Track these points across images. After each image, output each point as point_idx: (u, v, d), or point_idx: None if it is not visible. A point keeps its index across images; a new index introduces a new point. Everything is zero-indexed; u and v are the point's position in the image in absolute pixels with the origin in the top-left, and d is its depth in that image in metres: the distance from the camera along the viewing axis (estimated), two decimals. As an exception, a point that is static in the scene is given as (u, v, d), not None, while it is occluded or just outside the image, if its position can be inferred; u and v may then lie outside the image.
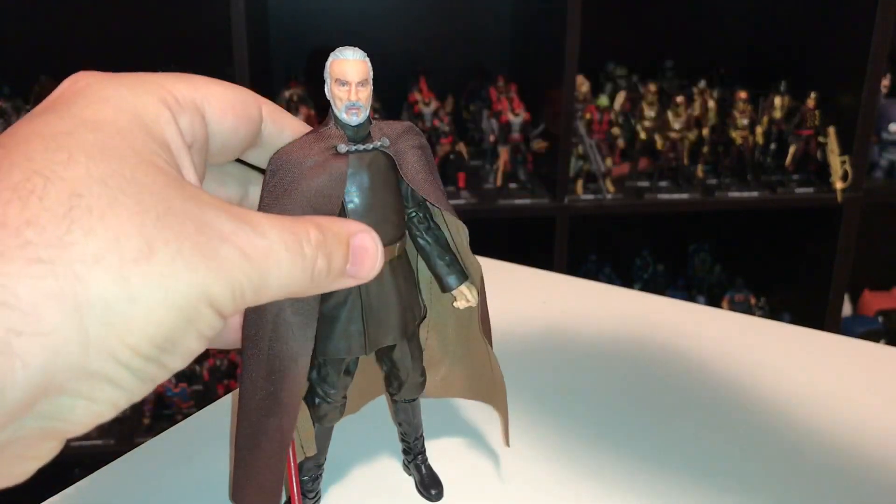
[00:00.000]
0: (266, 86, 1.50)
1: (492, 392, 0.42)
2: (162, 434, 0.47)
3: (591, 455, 0.45)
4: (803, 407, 0.50)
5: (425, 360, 0.42)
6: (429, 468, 0.43)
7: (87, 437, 1.39)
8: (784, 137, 1.51)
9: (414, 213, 0.38)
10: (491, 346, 0.40)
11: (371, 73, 0.35)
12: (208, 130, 0.31)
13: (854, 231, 1.49)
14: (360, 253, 0.31)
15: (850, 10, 1.42)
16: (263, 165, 0.35)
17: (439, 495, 0.42)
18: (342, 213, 0.35)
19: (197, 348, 0.26)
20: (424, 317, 0.41)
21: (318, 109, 1.40)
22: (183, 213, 0.25)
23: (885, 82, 1.55)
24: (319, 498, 0.41)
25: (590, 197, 1.48)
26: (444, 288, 0.39)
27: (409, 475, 0.43)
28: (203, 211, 0.26)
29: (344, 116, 0.34)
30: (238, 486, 0.36)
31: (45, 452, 0.25)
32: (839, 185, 1.45)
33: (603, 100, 1.55)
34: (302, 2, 1.62)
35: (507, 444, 0.42)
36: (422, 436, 0.43)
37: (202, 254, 0.25)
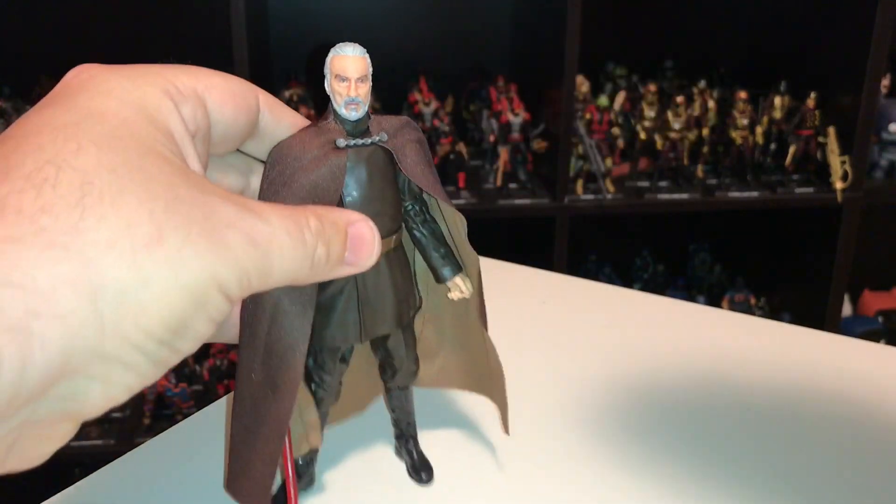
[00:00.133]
0: (266, 86, 1.49)
1: (489, 382, 0.42)
2: (162, 434, 0.47)
3: (589, 455, 0.45)
4: (803, 407, 0.50)
5: (422, 351, 0.43)
6: (420, 453, 0.44)
7: (87, 436, 1.40)
8: (784, 137, 1.51)
9: (410, 207, 0.39)
10: (488, 335, 0.40)
11: (370, 70, 0.35)
12: (210, 120, 0.32)
13: (854, 231, 1.49)
14: (358, 241, 0.31)
15: (850, 10, 1.42)
16: (262, 156, 0.36)
17: (429, 479, 0.43)
18: (340, 205, 0.35)
19: (207, 332, 0.27)
20: (420, 308, 0.41)
21: (318, 109, 1.40)
22: (190, 201, 0.26)
23: (885, 82, 1.55)
24: (313, 481, 0.42)
25: (590, 197, 1.48)
26: (439, 279, 0.39)
27: (401, 460, 0.44)
28: (208, 198, 0.27)
29: (343, 111, 0.35)
30: (232, 476, 0.36)
31: (61, 435, 0.26)
32: (839, 185, 1.45)
33: (603, 100, 1.55)
34: (302, 2, 1.62)
35: (507, 432, 0.42)
36: (413, 421, 0.44)
37: (210, 239, 0.26)
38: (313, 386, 0.39)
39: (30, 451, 0.26)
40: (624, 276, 1.83)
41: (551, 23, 1.42)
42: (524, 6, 1.62)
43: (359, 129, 0.35)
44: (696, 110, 1.55)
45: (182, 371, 1.49)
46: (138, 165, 0.26)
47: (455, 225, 0.39)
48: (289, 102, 1.41)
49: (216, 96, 0.32)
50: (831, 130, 1.45)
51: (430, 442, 0.45)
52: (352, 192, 0.35)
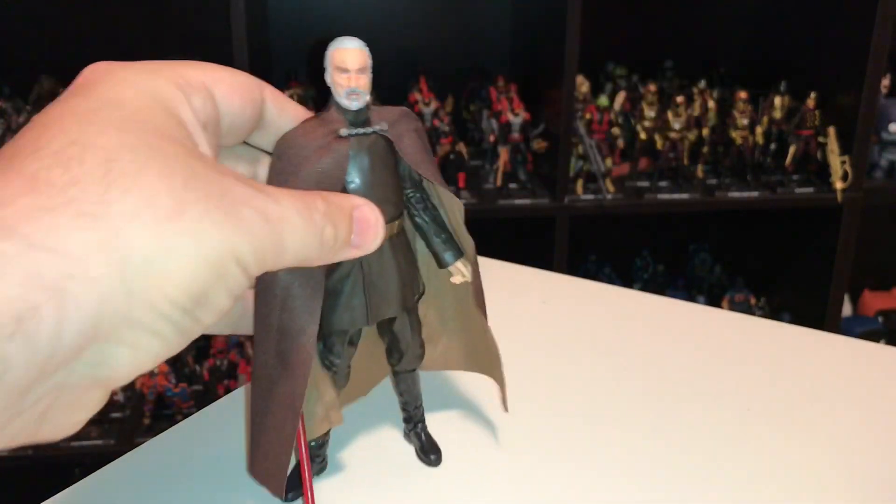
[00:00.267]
0: (266, 86, 1.49)
1: (489, 363, 0.43)
2: (162, 434, 0.47)
3: (589, 453, 0.45)
4: (803, 407, 0.50)
5: (425, 335, 0.44)
6: (428, 435, 0.45)
7: (87, 436, 1.40)
8: (784, 137, 1.51)
9: (412, 194, 0.40)
10: (485, 317, 0.41)
11: (370, 62, 0.36)
12: (219, 111, 0.33)
13: (854, 231, 1.49)
14: (363, 224, 0.33)
15: (850, 10, 1.42)
16: (267, 147, 0.38)
17: (438, 460, 0.44)
18: (344, 192, 0.36)
19: (226, 306, 0.28)
20: (423, 293, 0.42)
21: (318, 108, 1.40)
22: (206, 179, 0.27)
23: (885, 82, 1.55)
24: (326, 464, 0.43)
25: (590, 197, 1.48)
26: (441, 264, 0.41)
27: (410, 443, 0.45)
28: (223, 178, 0.28)
29: (344, 102, 0.36)
30: (252, 458, 0.38)
31: (92, 402, 0.27)
32: (839, 185, 1.45)
33: (603, 100, 1.55)
34: (302, 2, 1.62)
35: (506, 409, 0.44)
36: (421, 405, 0.45)
37: (227, 214, 0.27)
38: (323, 370, 0.41)
39: (62, 419, 0.27)
40: (624, 276, 1.83)
41: (551, 23, 1.42)
42: (524, 6, 1.62)
43: (360, 118, 0.37)
44: (696, 110, 1.55)
45: (182, 371, 1.49)
46: (156, 146, 0.27)
47: (452, 210, 0.40)
48: (289, 102, 1.41)
49: (224, 89, 0.33)
50: (831, 130, 1.45)
51: (438, 425, 0.46)
52: (355, 178, 0.37)
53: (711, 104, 1.55)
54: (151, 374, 1.42)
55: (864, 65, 1.38)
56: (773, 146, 1.53)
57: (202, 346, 1.55)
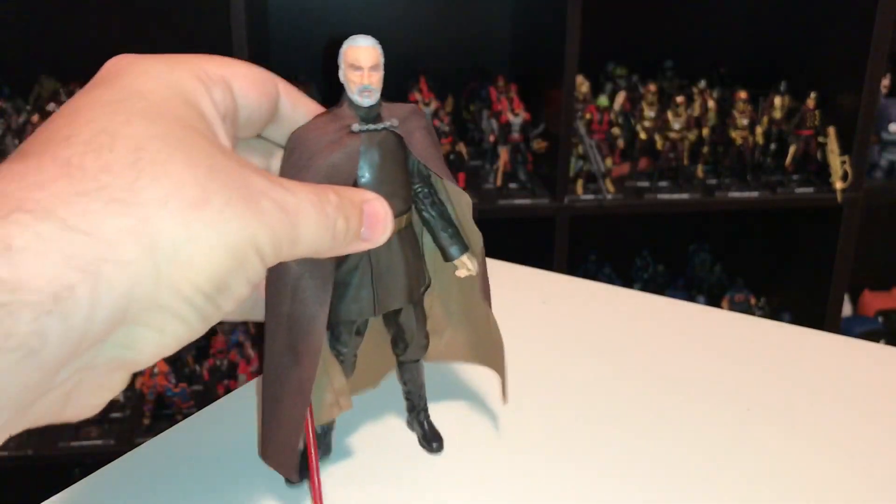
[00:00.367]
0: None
1: (491, 354, 0.44)
2: (162, 434, 0.47)
3: (588, 451, 0.45)
4: (803, 407, 0.50)
5: (430, 326, 0.45)
6: (430, 424, 0.46)
7: (87, 436, 1.40)
8: (784, 137, 1.51)
9: (420, 189, 0.41)
10: (490, 308, 0.42)
11: (382, 59, 0.37)
12: (236, 104, 0.34)
13: (854, 231, 1.49)
14: (372, 218, 0.34)
15: (850, 10, 1.42)
16: (280, 141, 0.39)
17: (440, 448, 0.45)
18: (355, 186, 0.37)
19: (244, 293, 0.29)
20: (429, 285, 0.44)
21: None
22: (227, 170, 0.28)
23: (885, 82, 1.55)
24: (330, 449, 0.45)
25: (590, 197, 1.48)
26: (447, 258, 0.41)
27: (413, 431, 0.46)
28: (243, 170, 0.29)
29: (357, 98, 0.37)
30: (263, 443, 0.39)
31: (115, 384, 0.28)
32: (839, 185, 1.45)
33: (603, 100, 1.55)
34: (302, 2, 1.62)
35: (505, 400, 0.45)
36: (424, 394, 0.46)
37: (247, 205, 0.28)
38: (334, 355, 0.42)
39: (85, 400, 0.28)
40: (624, 276, 1.83)
41: (551, 23, 1.42)
42: (524, 6, 1.62)
43: (371, 114, 0.38)
44: (696, 110, 1.55)
45: (182, 371, 1.49)
46: (181, 137, 0.28)
47: (460, 205, 0.41)
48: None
49: (241, 83, 0.34)
50: (831, 130, 1.45)
51: (441, 414, 0.47)
52: (365, 173, 0.37)
53: (711, 104, 1.55)
54: (151, 374, 1.42)
55: (864, 65, 1.37)
56: (773, 146, 1.53)
57: (202, 346, 1.55)
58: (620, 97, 1.57)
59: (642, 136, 1.52)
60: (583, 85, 1.53)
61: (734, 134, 1.51)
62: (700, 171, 1.53)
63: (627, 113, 1.56)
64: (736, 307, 1.65)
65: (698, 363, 0.55)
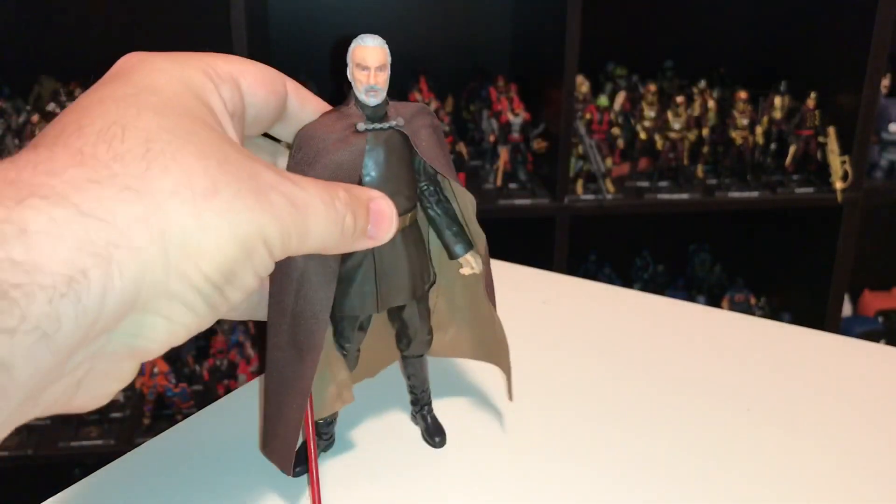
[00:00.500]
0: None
1: (496, 352, 0.45)
2: (162, 434, 0.47)
3: (588, 450, 0.45)
4: (803, 407, 0.50)
5: (435, 323, 0.45)
6: (434, 418, 0.46)
7: (87, 436, 1.39)
8: (784, 137, 1.51)
9: (426, 187, 0.41)
10: (495, 307, 0.43)
11: (389, 59, 0.38)
12: (244, 102, 0.35)
13: (854, 231, 1.48)
14: (378, 216, 0.35)
15: (850, 10, 1.42)
16: (287, 139, 0.40)
17: (442, 442, 0.46)
18: (360, 184, 0.38)
19: (252, 285, 0.30)
20: (434, 282, 0.44)
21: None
22: (237, 163, 0.29)
23: (885, 82, 1.55)
24: (333, 441, 0.45)
25: (590, 197, 1.48)
26: (451, 256, 0.42)
27: (416, 425, 0.47)
28: (252, 164, 0.30)
29: (363, 97, 0.38)
30: (264, 437, 0.40)
31: (124, 374, 0.29)
32: (839, 185, 1.45)
33: (603, 100, 1.54)
34: (302, 2, 1.62)
35: (511, 398, 0.45)
36: (428, 389, 0.46)
37: (256, 197, 0.29)
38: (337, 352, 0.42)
39: (95, 389, 0.28)
40: (624, 276, 1.83)
41: (551, 23, 1.42)
42: (524, 6, 1.62)
43: (377, 113, 0.38)
44: (696, 110, 1.54)
45: (182, 371, 1.49)
46: (192, 130, 0.29)
47: (465, 204, 0.42)
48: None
49: (250, 81, 0.35)
50: (831, 130, 1.45)
51: (444, 409, 0.48)
52: (370, 171, 0.38)
53: (711, 104, 1.55)
54: (151, 374, 1.42)
55: (864, 65, 1.37)
56: (773, 146, 1.53)
57: (202, 346, 1.55)
58: (620, 97, 1.57)
59: (642, 136, 1.52)
60: (583, 85, 1.53)
61: (734, 134, 1.51)
62: (700, 171, 1.53)
63: (627, 113, 1.56)
64: (736, 307, 1.65)
65: (698, 363, 0.55)
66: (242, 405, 0.50)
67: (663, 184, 1.52)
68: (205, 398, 1.45)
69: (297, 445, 0.38)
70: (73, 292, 0.24)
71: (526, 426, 0.47)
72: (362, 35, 0.38)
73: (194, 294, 0.27)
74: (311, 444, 0.39)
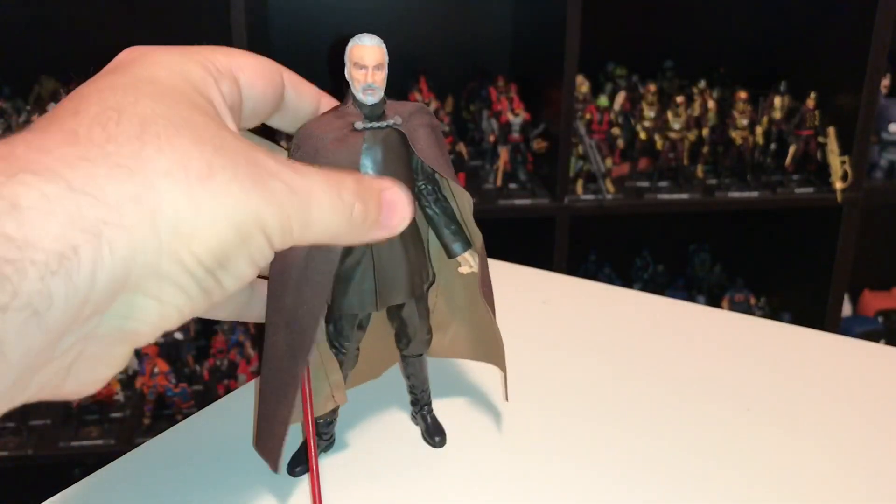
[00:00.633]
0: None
1: (494, 352, 0.45)
2: (162, 434, 0.47)
3: (588, 449, 0.45)
4: (803, 407, 0.50)
5: (435, 323, 0.46)
6: (434, 418, 0.47)
7: (87, 436, 1.39)
8: (784, 137, 1.51)
9: (424, 186, 0.41)
10: (493, 308, 0.42)
11: (386, 58, 0.38)
12: (242, 95, 0.35)
13: (854, 231, 1.48)
14: (391, 205, 0.34)
15: (849, 10, 1.42)
16: (285, 129, 0.40)
17: (442, 442, 0.46)
18: None
19: (248, 273, 0.29)
20: (433, 282, 0.44)
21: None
22: (235, 149, 0.29)
23: (885, 82, 1.55)
24: (333, 441, 0.45)
25: (590, 197, 1.48)
26: (450, 254, 0.42)
27: (416, 425, 0.47)
28: (252, 151, 0.29)
29: (361, 96, 0.38)
30: (258, 433, 0.40)
31: (116, 359, 0.28)
32: (839, 185, 1.45)
33: (603, 100, 1.54)
34: (302, 2, 1.62)
35: (507, 398, 0.46)
36: (428, 389, 0.47)
37: (255, 183, 0.28)
38: (333, 352, 0.42)
39: (86, 374, 0.28)
40: (624, 276, 1.83)
41: (551, 23, 1.42)
42: (524, 6, 1.62)
43: (375, 112, 0.38)
44: (696, 110, 1.54)
45: (182, 371, 1.49)
46: (188, 117, 0.29)
47: (463, 204, 0.42)
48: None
49: (248, 74, 0.35)
50: (831, 130, 1.45)
51: (444, 409, 0.48)
52: (368, 170, 0.38)
53: (711, 104, 1.55)
54: (152, 374, 1.42)
55: (864, 65, 1.37)
56: (773, 146, 1.53)
57: (202, 346, 1.55)
58: (620, 97, 1.57)
59: (642, 136, 1.52)
60: (583, 85, 1.53)
61: (734, 134, 1.51)
62: (700, 171, 1.53)
63: (627, 113, 1.56)
64: (736, 307, 1.65)
65: (698, 363, 0.55)
66: (242, 405, 0.50)
67: (663, 184, 1.52)
68: (205, 398, 1.45)
69: (285, 442, 0.38)
70: (65, 269, 0.24)
71: (526, 426, 0.47)
72: (360, 34, 0.38)
73: (186, 276, 0.27)
74: (311, 444, 0.39)
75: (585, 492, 0.42)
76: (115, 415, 1.44)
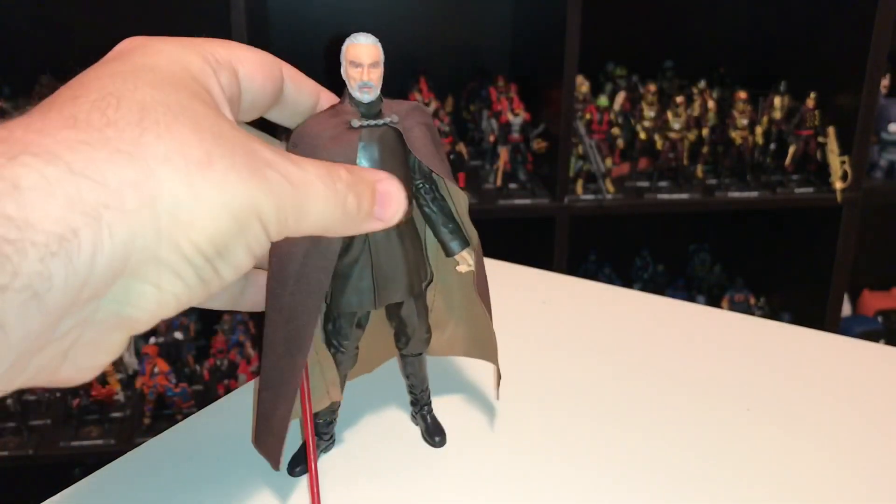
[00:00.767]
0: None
1: (490, 350, 0.45)
2: (162, 434, 0.47)
3: (588, 448, 0.45)
4: (802, 407, 0.50)
5: (433, 321, 0.46)
6: (433, 418, 0.47)
7: (87, 436, 1.39)
8: (784, 137, 1.51)
9: (421, 184, 0.42)
10: (489, 307, 0.43)
11: (382, 57, 0.38)
12: (241, 88, 0.35)
13: (854, 231, 1.48)
14: (385, 197, 0.34)
15: (849, 10, 1.42)
16: (284, 123, 0.40)
17: (442, 442, 0.46)
18: None
19: (245, 263, 0.29)
20: (431, 280, 0.44)
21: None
22: (233, 138, 0.29)
23: (885, 82, 1.55)
24: (333, 441, 0.45)
25: (590, 197, 1.48)
26: (448, 253, 0.42)
27: (416, 425, 0.47)
28: (249, 141, 0.29)
29: (357, 94, 0.38)
30: (257, 431, 0.40)
31: (113, 346, 0.28)
32: (839, 185, 1.45)
33: (603, 100, 1.54)
34: (302, 2, 1.62)
35: (497, 397, 0.47)
36: (427, 388, 0.47)
37: (252, 172, 0.28)
38: (332, 350, 0.42)
39: (83, 360, 0.28)
40: (624, 276, 1.83)
41: (551, 23, 1.42)
42: (524, 6, 1.62)
43: (372, 111, 0.38)
44: (696, 110, 1.54)
45: (182, 371, 1.49)
46: (187, 105, 0.29)
47: (459, 203, 0.42)
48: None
49: (248, 67, 0.35)
50: (831, 130, 1.45)
51: (444, 408, 0.48)
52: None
53: (711, 104, 1.55)
54: (152, 374, 1.42)
55: (864, 65, 1.37)
56: (772, 146, 1.53)
57: (202, 346, 1.55)
58: (620, 97, 1.57)
59: (642, 136, 1.52)
60: (583, 85, 1.53)
61: (734, 134, 1.51)
62: (700, 171, 1.53)
63: (627, 113, 1.56)
64: (736, 307, 1.65)
65: (698, 363, 0.55)
66: (242, 405, 0.50)
67: (663, 184, 1.52)
68: (205, 398, 1.45)
69: (285, 440, 0.39)
70: (65, 251, 0.24)
71: (526, 426, 0.47)
72: (355, 33, 0.38)
73: (184, 264, 0.27)
74: (311, 444, 0.39)
75: (585, 491, 0.42)
76: (115, 415, 1.44)
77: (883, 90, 1.54)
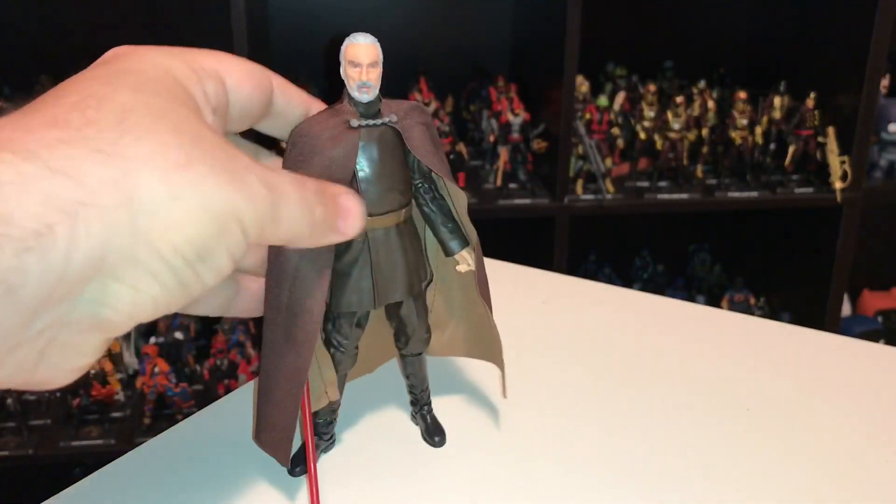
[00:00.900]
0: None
1: (491, 349, 0.45)
2: (162, 434, 0.47)
3: (587, 451, 0.45)
4: (802, 407, 0.50)
5: (432, 321, 0.46)
6: (433, 418, 0.47)
7: (87, 436, 1.39)
8: (784, 137, 1.51)
9: (420, 184, 0.41)
10: (490, 306, 0.43)
11: (381, 57, 0.38)
12: (228, 99, 0.35)
13: (854, 231, 1.49)
14: (346, 210, 0.34)
15: (849, 10, 1.42)
16: (275, 134, 0.40)
17: (442, 442, 0.46)
18: (354, 180, 0.38)
19: (225, 267, 0.29)
20: (431, 280, 0.44)
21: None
22: (213, 142, 0.29)
23: (885, 82, 1.55)
24: (333, 441, 0.45)
25: (590, 197, 1.48)
26: (447, 252, 0.42)
27: (416, 425, 0.47)
28: (227, 145, 0.30)
29: (356, 94, 0.38)
30: (259, 428, 0.40)
31: (90, 348, 0.28)
32: (839, 185, 1.45)
33: (603, 100, 1.55)
34: (302, 3, 1.62)
35: (505, 395, 0.46)
36: (427, 388, 0.47)
37: (231, 176, 0.28)
38: (332, 350, 0.42)
39: (59, 361, 0.28)
40: (624, 276, 1.83)
41: (551, 23, 1.42)
42: (524, 6, 1.62)
43: (371, 110, 0.38)
44: (696, 110, 1.55)
45: (182, 371, 1.49)
46: (168, 108, 0.29)
47: (458, 202, 0.42)
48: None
49: (236, 77, 0.35)
50: (831, 130, 1.45)
51: (444, 408, 0.48)
52: (364, 168, 0.38)
53: (711, 104, 1.55)
54: (152, 373, 1.42)
55: (864, 65, 1.37)
56: (772, 146, 1.53)
57: (202, 346, 1.55)
58: (620, 97, 1.57)
59: (642, 136, 1.52)
60: (583, 85, 1.53)
61: (734, 134, 1.51)
62: (700, 171, 1.53)
63: (627, 113, 1.56)
64: (736, 307, 1.65)
65: (698, 363, 0.55)
66: (242, 405, 0.50)
67: (663, 184, 1.52)
68: (205, 398, 1.45)
69: (293, 437, 0.39)
70: (40, 247, 0.24)
71: (526, 426, 0.47)
72: (354, 33, 0.38)
73: (162, 266, 0.27)
74: (310, 444, 0.39)
75: (585, 491, 0.42)
76: (115, 415, 1.44)
77: (883, 90, 1.54)
